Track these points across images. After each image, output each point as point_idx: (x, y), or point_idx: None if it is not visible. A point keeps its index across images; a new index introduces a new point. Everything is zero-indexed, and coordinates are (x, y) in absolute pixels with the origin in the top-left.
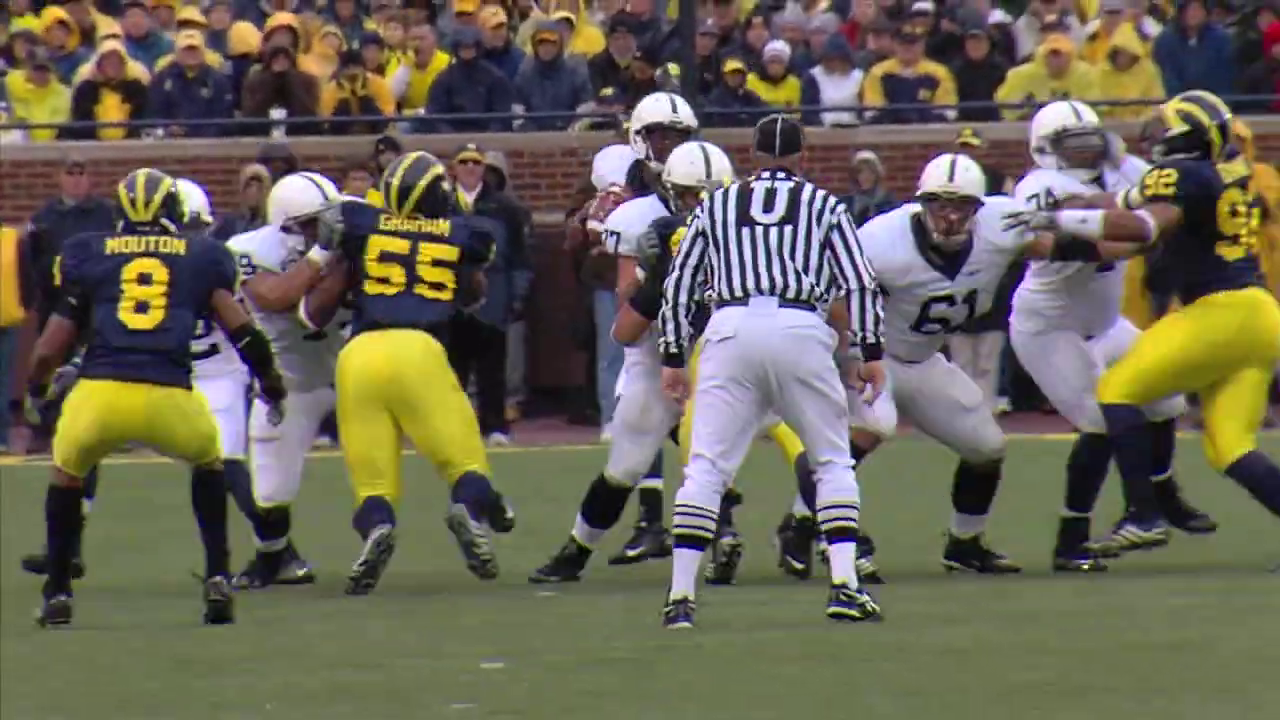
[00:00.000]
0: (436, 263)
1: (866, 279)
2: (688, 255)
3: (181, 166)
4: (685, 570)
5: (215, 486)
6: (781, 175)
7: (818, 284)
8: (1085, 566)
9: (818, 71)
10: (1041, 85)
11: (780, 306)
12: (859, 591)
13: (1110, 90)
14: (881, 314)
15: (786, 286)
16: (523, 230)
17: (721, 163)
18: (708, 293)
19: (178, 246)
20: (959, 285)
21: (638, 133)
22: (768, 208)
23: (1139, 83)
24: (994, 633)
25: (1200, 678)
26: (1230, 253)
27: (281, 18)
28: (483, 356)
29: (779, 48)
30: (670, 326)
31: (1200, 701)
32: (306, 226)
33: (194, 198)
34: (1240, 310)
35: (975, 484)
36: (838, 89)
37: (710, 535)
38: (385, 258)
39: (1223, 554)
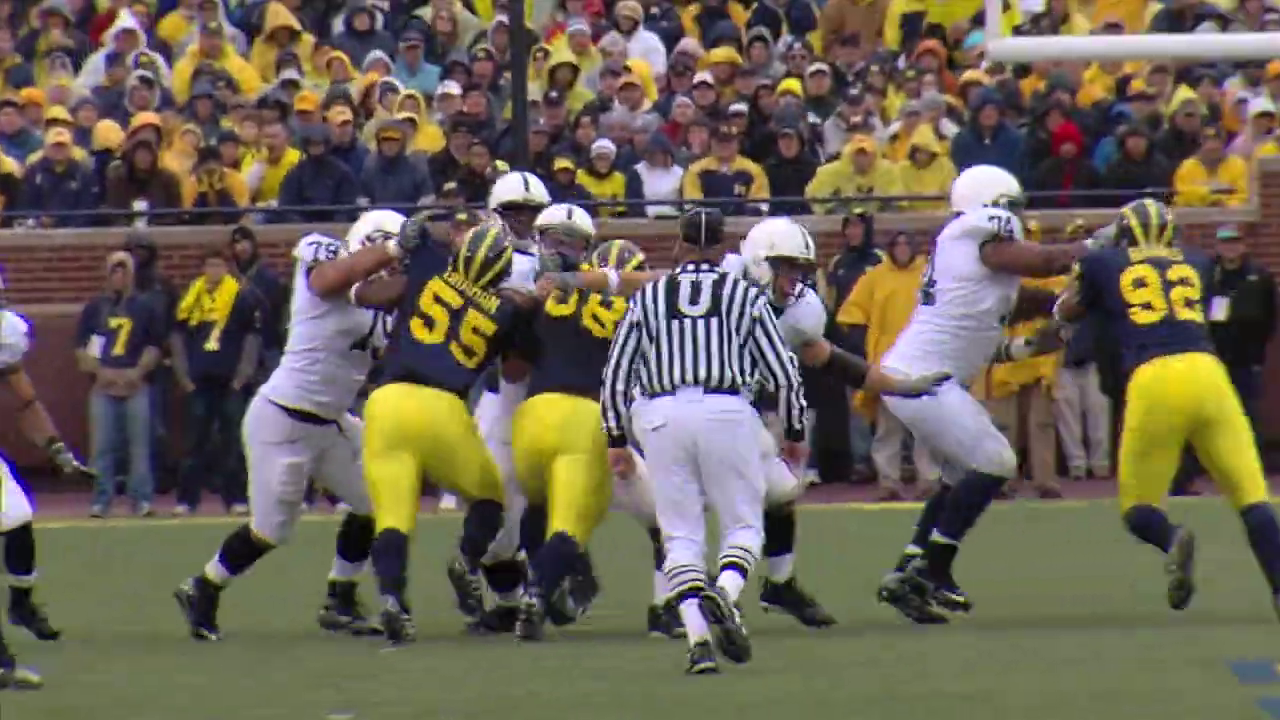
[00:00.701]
0: (475, 331)
1: (792, 375)
2: (624, 345)
3: (51, 254)
4: (696, 618)
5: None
6: (705, 267)
7: (741, 372)
8: (958, 599)
9: (641, 167)
10: (848, 181)
11: (706, 394)
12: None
13: (911, 185)
14: (804, 404)
15: (709, 376)
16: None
17: (540, 187)
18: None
19: None
20: None
21: (495, 210)
22: (694, 300)
23: (937, 178)
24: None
25: None
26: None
27: (145, 116)
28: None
29: (605, 145)
30: (610, 414)
31: None
32: (509, 212)
33: None
34: None
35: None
36: (660, 183)
37: (704, 583)
38: (437, 301)
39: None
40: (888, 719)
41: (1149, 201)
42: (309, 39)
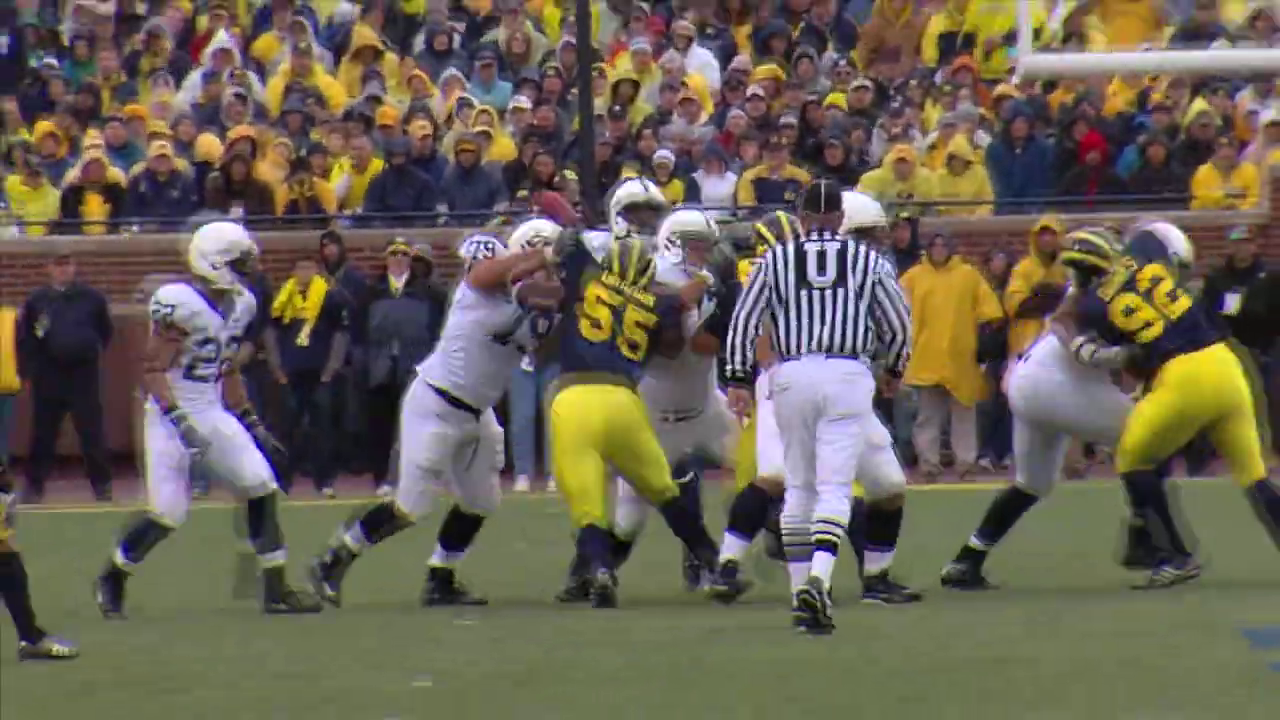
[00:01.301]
0: (638, 325)
1: (907, 326)
2: (754, 301)
3: (155, 257)
4: (798, 571)
5: None
6: (827, 235)
7: (863, 336)
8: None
9: (699, 174)
10: (889, 187)
11: (828, 358)
12: (824, 596)
13: (947, 191)
14: (909, 353)
15: (833, 343)
16: (445, 310)
17: (657, 190)
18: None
19: None
20: None
21: (619, 213)
22: (821, 270)
23: (972, 185)
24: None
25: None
26: None
27: (240, 129)
28: None
29: (665, 154)
30: (738, 356)
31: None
32: (630, 213)
33: None
34: None
35: (881, 520)
36: (716, 189)
37: (808, 544)
38: (600, 302)
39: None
40: (911, 685)
41: (1092, 233)
42: (392, 57)
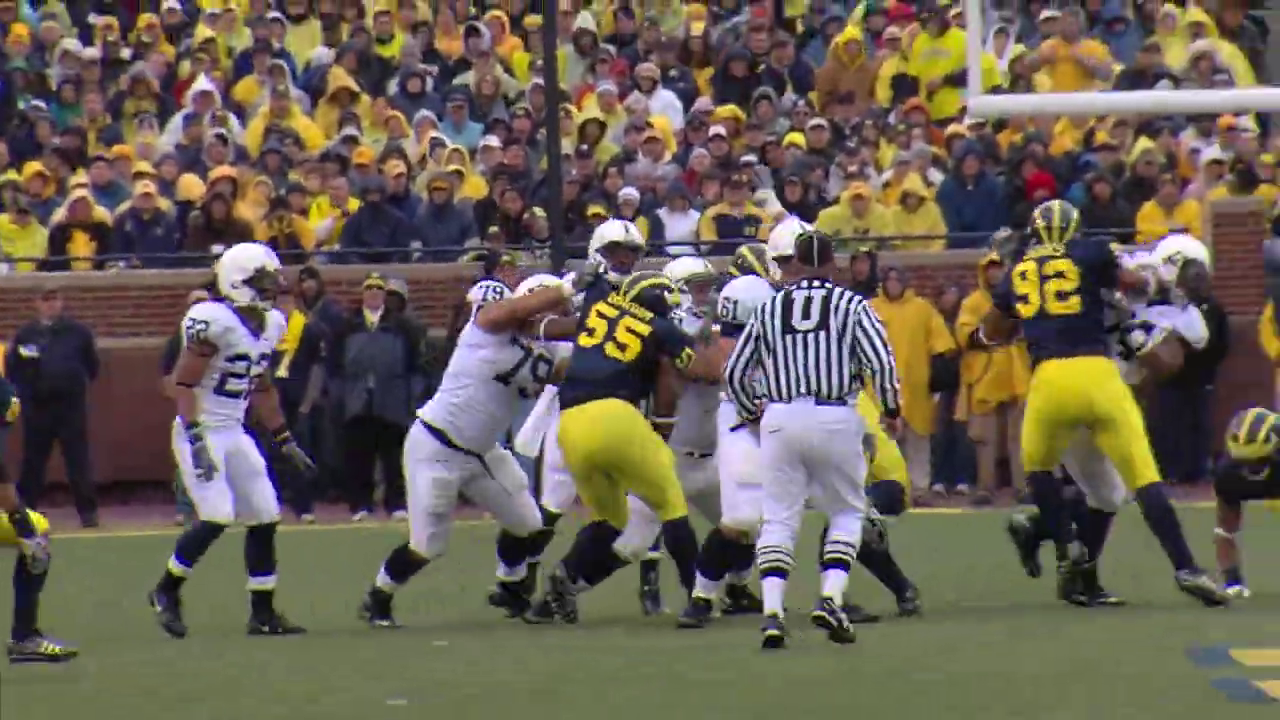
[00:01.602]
0: (630, 330)
1: (885, 360)
2: (742, 351)
3: (140, 293)
4: (773, 592)
5: None
6: (816, 284)
7: (846, 380)
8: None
9: (663, 211)
10: (846, 223)
11: (817, 404)
12: (842, 611)
13: (901, 227)
14: (897, 387)
15: (820, 388)
16: (419, 344)
17: (637, 231)
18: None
19: None
20: None
21: (599, 250)
22: (805, 315)
23: (925, 221)
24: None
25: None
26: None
27: (221, 170)
28: (390, 448)
29: (631, 192)
30: (740, 400)
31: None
32: (609, 251)
33: None
34: None
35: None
36: (679, 226)
37: (789, 568)
38: (599, 315)
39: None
40: (893, 696)
41: (1056, 202)
42: (367, 100)
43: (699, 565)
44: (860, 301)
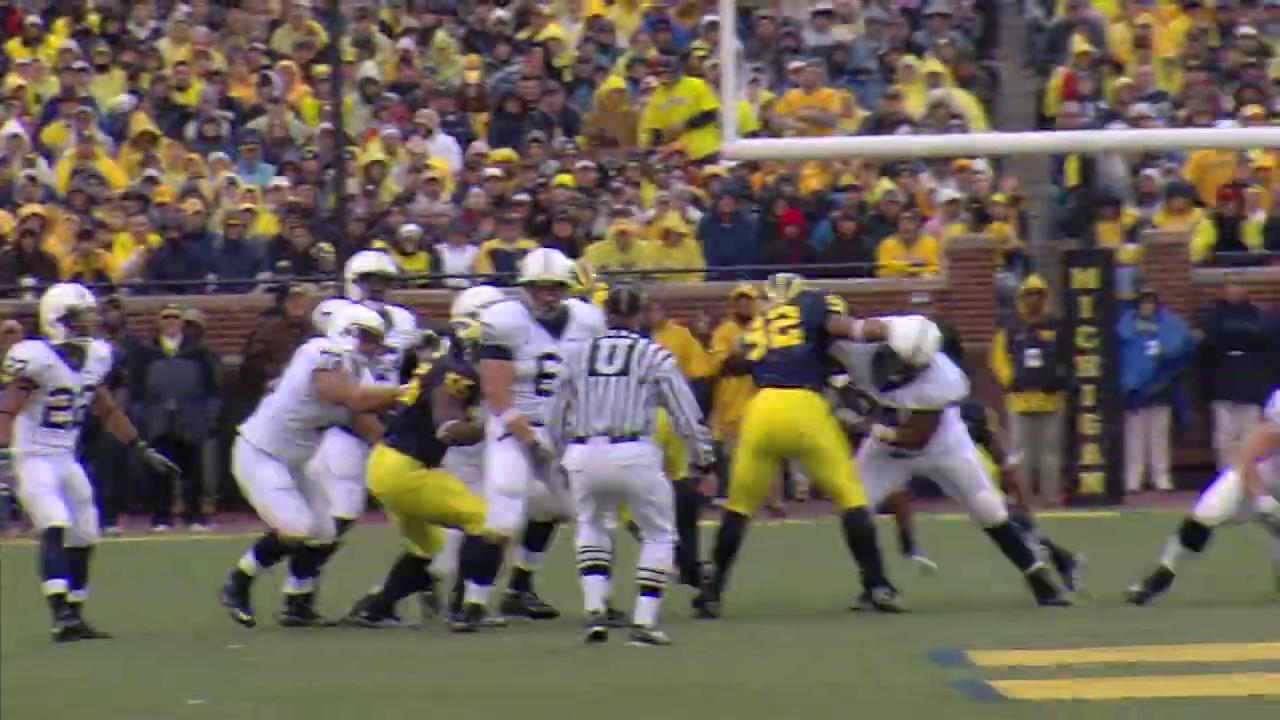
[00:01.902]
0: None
1: (690, 424)
2: (559, 396)
3: None
4: (594, 590)
5: None
6: (623, 334)
7: (641, 422)
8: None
9: (443, 247)
10: (612, 257)
11: (611, 443)
12: (653, 631)
13: (662, 261)
14: (707, 446)
15: (614, 427)
16: (214, 369)
17: (386, 261)
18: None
19: None
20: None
21: (354, 281)
22: (610, 360)
23: (685, 255)
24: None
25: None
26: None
27: (31, 208)
28: (187, 464)
29: (413, 229)
30: (549, 436)
31: None
32: (364, 281)
33: None
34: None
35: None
36: (457, 260)
37: (607, 564)
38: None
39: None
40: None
41: (781, 275)
42: (166, 143)
43: (468, 574)
44: (669, 359)
